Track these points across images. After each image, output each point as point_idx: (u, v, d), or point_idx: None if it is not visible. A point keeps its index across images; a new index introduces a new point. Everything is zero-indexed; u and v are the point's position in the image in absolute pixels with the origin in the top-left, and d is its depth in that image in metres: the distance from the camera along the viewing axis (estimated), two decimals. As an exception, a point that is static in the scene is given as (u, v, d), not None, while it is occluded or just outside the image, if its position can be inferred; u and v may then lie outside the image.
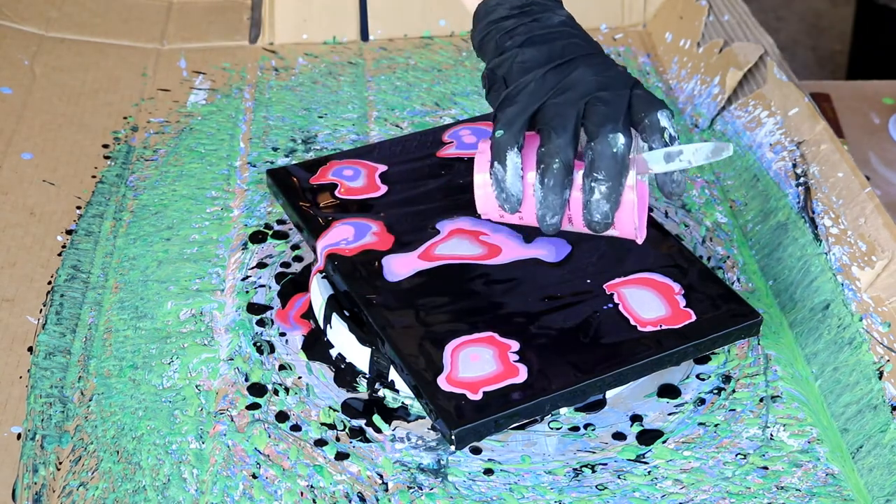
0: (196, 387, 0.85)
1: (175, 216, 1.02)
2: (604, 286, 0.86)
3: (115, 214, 1.02)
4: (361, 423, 0.83)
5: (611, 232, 0.78)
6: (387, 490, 0.78)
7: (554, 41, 0.80)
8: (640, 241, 0.79)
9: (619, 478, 0.79)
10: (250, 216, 1.02)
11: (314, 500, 0.77)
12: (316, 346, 0.88)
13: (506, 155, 0.76)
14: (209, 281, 0.95)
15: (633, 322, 0.83)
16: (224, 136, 1.12)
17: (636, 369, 0.80)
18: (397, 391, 0.85)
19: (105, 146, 1.10)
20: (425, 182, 0.97)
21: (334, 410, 0.84)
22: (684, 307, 0.84)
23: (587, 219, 0.76)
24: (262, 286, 0.94)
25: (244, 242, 0.99)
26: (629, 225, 0.77)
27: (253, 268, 0.96)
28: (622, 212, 0.76)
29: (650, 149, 0.76)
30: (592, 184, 0.75)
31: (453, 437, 0.74)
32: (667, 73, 1.24)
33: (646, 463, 0.80)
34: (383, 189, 0.96)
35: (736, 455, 0.81)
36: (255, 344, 0.89)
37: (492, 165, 0.77)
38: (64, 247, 0.98)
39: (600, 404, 0.84)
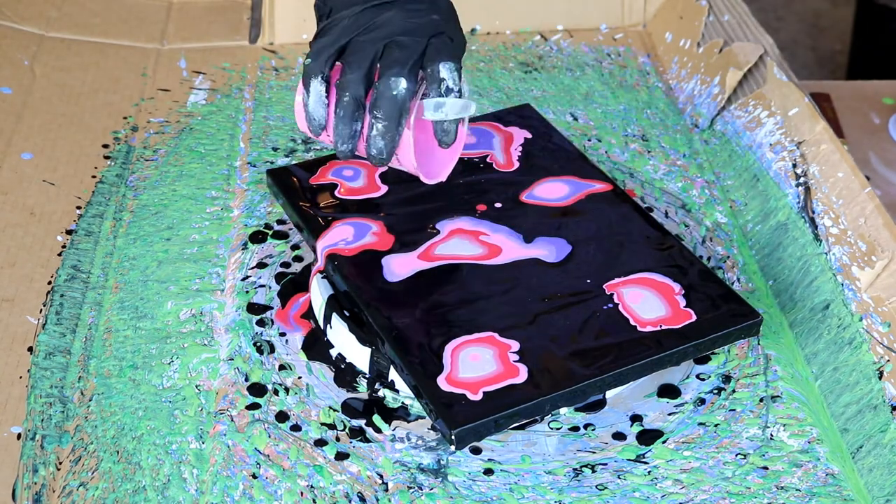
0: (196, 387, 0.85)
1: (175, 216, 1.02)
2: (604, 286, 0.86)
3: (115, 214, 1.02)
4: (361, 423, 0.83)
5: (396, 165, 0.86)
6: (387, 490, 0.78)
7: None
8: (424, 179, 0.86)
9: (619, 478, 0.79)
10: (250, 216, 1.02)
11: (314, 500, 0.77)
12: (316, 346, 0.88)
13: (310, 82, 0.82)
14: (209, 281, 0.95)
15: (633, 322, 0.83)
16: (224, 136, 1.12)
17: (636, 369, 0.80)
18: (397, 391, 0.85)
19: (105, 146, 1.10)
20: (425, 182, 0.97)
21: (334, 410, 0.84)
22: (684, 307, 0.84)
23: (367, 152, 0.83)
24: (262, 286, 0.94)
25: (244, 242, 0.99)
26: (410, 162, 0.84)
27: (253, 268, 0.96)
28: (403, 149, 0.83)
29: (428, 97, 0.82)
30: (372, 121, 0.81)
31: (453, 437, 0.74)
32: (667, 73, 1.24)
33: (646, 463, 0.80)
34: (383, 189, 0.96)
35: (736, 455, 0.81)
36: (255, 344, 0.89)
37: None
38: (64, 247, 0.98)
39: (600, 404, 0.84)
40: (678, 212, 1.04)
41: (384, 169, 0.98)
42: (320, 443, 0.81)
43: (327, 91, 0.83)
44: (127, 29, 1.28)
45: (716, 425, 0.83)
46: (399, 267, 0.87)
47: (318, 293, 0.89)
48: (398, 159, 0.85)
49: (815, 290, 0.92)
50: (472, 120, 1.06)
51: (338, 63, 0.83)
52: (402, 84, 0.80)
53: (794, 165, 1.01)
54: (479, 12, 1.30)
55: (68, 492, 0.77)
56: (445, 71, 0.81)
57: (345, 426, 0.82)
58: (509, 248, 0.89)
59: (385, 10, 0.83)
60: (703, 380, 0.87)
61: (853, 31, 2.29)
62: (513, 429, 0.82)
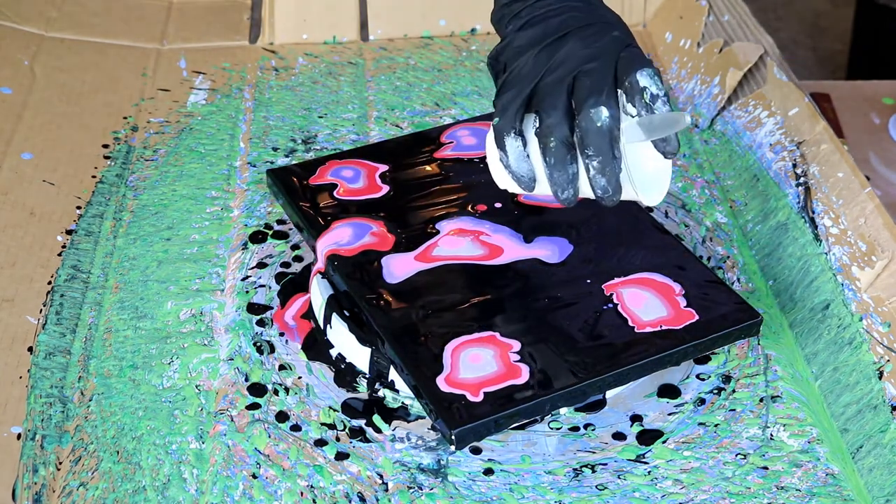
0: (196, 387, 0.85)
1: (175, 216, 1.02)
2: (604, 286, 0.86)
3: (115, 214, 1.02)
4: (361, 423, 0.83)
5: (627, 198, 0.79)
6: (387, 490, 0.78)
7: (551, 18, 0.80)
8: (646, 203, 0.79)
9: (619, 478, 0.79)
10: (250, 216, 1.02)
11: (314, 500, 0.77)
12: (316, 346, 0.88)
13: (504, 141, 0.77)
14: (209, 281, 0.95)
15: (632, 322, 0.83)
16: (224, 136, 1.12)
17: (636, 369, 0.80)
18: (397, 391, 0.85)
19: (105, 146, 1.10)
20: (425, 182, 0.97)
21: (334, 410, 0.84)
22: (684, 307, 0.84)
23: (594, 193, 0.77)
24: (262, 286, 0.94)
25: (244, 242, 0.99)
26: (629, 192, 0.78)
27: (253, 268, 0.96)
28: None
29: (636, 110, 0.76)
30: (586, 160, 0.76)
31: (453, 437, 0.74)
32: (667, 73, 1.24)
33: (646, 463, 0.80)
34: (383, 189, 0.96)
35: (736, 455, 0.81)
36: (255, 344, 0.89)
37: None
38: (64, 247, 0.98)
39: (600, 404, 0.84)
40: (678, 212, 1.04)
41: (384, 169, 0.98)
42: (320, 443, 0.81)
43: (524, 145, 0.78)
44: (127, 29, 1.28)
45: (716, 425, 0.83)
46: (399, 267, 0.87)
47: (318, 293, 0.89)
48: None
49: (815, 290, 0.92)
50: (473, 120, 1.06)
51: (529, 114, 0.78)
52: (604, 113, 0.74)
53: (794, 165, 1.01)
54: (479, 12, 1.30)
55: (68, 492, 0.77)
56: (645, 78, 0.75)
57: (345, 426, 0.82)
58: (510, 248, 0.89)
59: (561, 44, 0.78)
60: (703, 380, 0.87)
61: (853, 31, 2.29)
62: (513, 429, 0.82)
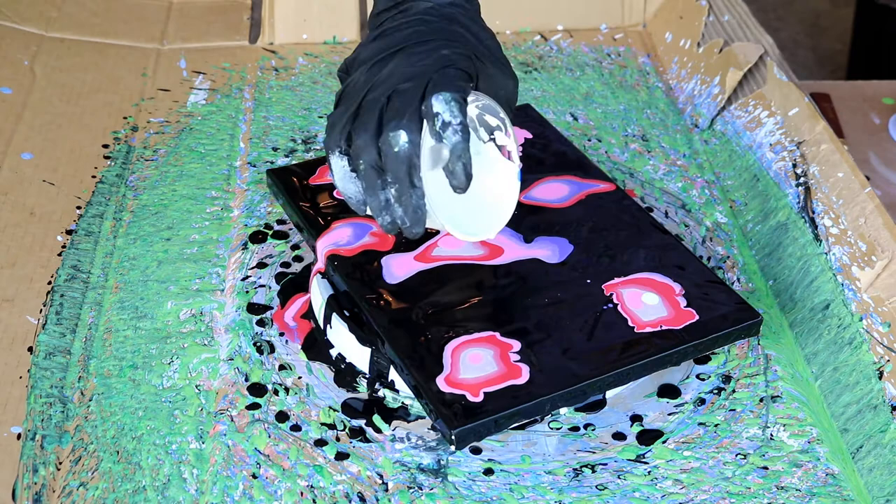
0: (196, 387, 0.85)
1: (175, 216, 1.02)
2: (604, 286, 0.86)
3: (115, 214, 1.02)
4: (361, 423, 0.83)
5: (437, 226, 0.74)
6: (387, 490, 0.78)
7: (398, 32, 0.75)
8: (462, 238, 0.75)
9: (619, 478, 0.79)
10: (250, 216, 1.02)
11: (314, 500, 0.77)
12: (316, 346, 0.88)
13: (330, 159, 0.74)
14: (209, 281, 0.95)
15: (632, 322, 0.83)
16: (224, 136, 1.13)
17: (636, 369, 0.80)
18: (397, 391, 0.85)
19: (105, 146, 1.10)
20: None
21: (334, 410, 0.84)
22: (685, 307, 0.84)
23: (394, 226, 0.73)
24: (262, 286, 0.94)
25: (244, 242, 0.99)
26: (437, 224, 0.73)
27: (253, 268, 0.96)
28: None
29: (435, 136, 0.71)
30: (386, 187, 0.71)
31: (453, 437, 0.74)
32: (667, 73, 1.24)
33: (646, 463, 0.80)
34: (383, 189, 0.96)
35: (736, 455, 0.81)
36: (255, 344, 0.89)
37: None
38: (64, 247, 0.98)
39: (600, 404, 0.84)
40: (678, 212, 1.04)
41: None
42: (320, 443, 0.81)
43: (351, 164, 0.74)
44: (127, 29, 1.28)
45: (716, 425, 0.83)
46: (399, 267, 0.87)
47: (318, 293, 0.89)
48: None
49: (815, 290, 0.92)
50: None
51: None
52: (402, 138, 0.70)
53: (794, 165, 1.01)
54: (479, 12, 1.30)
55: (68, 492, 0.77)
56: (440, 104, 0.70)
57: (345, 426, 0.82)
58: (510, 248, 0.89)
59: (390, 61, 0.73)
60: (703, 380, 0.87)
61: (853, 31, 2.29)
62: (513, 429, 0.82)
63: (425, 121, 0.72)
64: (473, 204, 0.76)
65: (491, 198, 0.76)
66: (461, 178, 0.71)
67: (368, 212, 0.76)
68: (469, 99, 0.72)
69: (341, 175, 0.74)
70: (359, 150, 0.71)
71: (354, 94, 0.73)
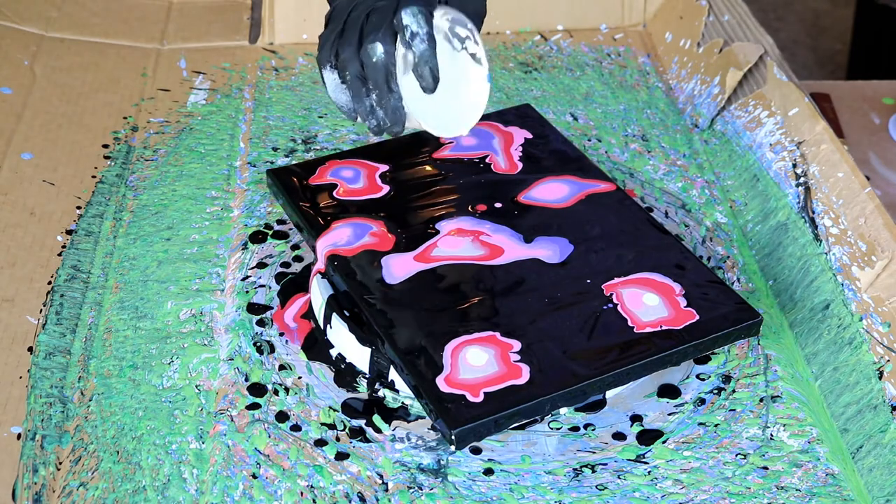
0: (196, 387, 0.85)
1: (175, 216, 1.02)
2: (604, 286, 0.86)
3: (115, 214, 1.02)
4: (361, 423, 0.83)
5: (416, 127, 0.84)
6: (387, 490, 0.78)
7: None
8: (438, 134, 0.84)
9: (619, 478, 0.79)
10: (250, 216, 1.02)
11: (314, 500, 0.77)
12: (316, 346, 0.88)
13: (322, 73, 0.83)
14: (209, 281, 0.95)
15: (632, 322, 0.82)
16: (224, 136, 1.13)
17: (636, 369, 0.80)
18: (397, 391, 0.85)
19: (105, 146, 1.10)
20: (425, 182, 0.97)
21: (334, 410, 0.84)
22: (685, 307, 0.84)
23: (374, 125, 0.83)
24: (262, 286, 0.94)
25: (244, 242, 0.99)
26: (415, 122, 0.83)
27: (253, 268, 0.96)
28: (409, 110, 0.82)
29: (405, 45, 0.81)
30: (369, 93, 0.81)
31: (453, 437, 0.74)
32: (667, 73, 1.24)
33: (646, 463, 0.80)
34: (383, 189, 0.96)
35: (736, 455, 0.81)
36: (255, 344, 0.89)
37: None
38: (64, 247, 0.98)
39: (600, 404, 0.84)
40: (678, 212, 1.04)
41: (384, 169, 0.98)
42: (320, 443, 0.81)
43: (341, 77, 0.83)
44: (127, 29, 1.28)
45: (716, 425, 0.83)
46: (399, 268, 0.87)
47: (318, 293, 0.89)
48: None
49: (815, 290, 0.92)
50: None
51: None
52: (379, 49, 0.79)
53: (794, 165, 1.02)
54: (479, 12, 1.30)
55: (68, 492, 0.77)
56: (408, 17, 0.80)
57: (345, 426, 0.82)
58: (510, 248, 0.89)
59: None
60: (703, 380, 0.87)
61: (853, 31, 2.29)
62: (513, 429, 0.82)
63: (398, 32, 0.81)
64: (449, 104, 0.85)
65: (465, 97, 0.85)
66: (429, 80, 0.80)
67: (359, 121, 0.85)
68: (439, 13, 0.82)
69: (333, 87, 0.83)
70: (345, 62, 0.81)
71: (340, 14, 0.83)
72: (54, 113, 1.14)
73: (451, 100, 0.84)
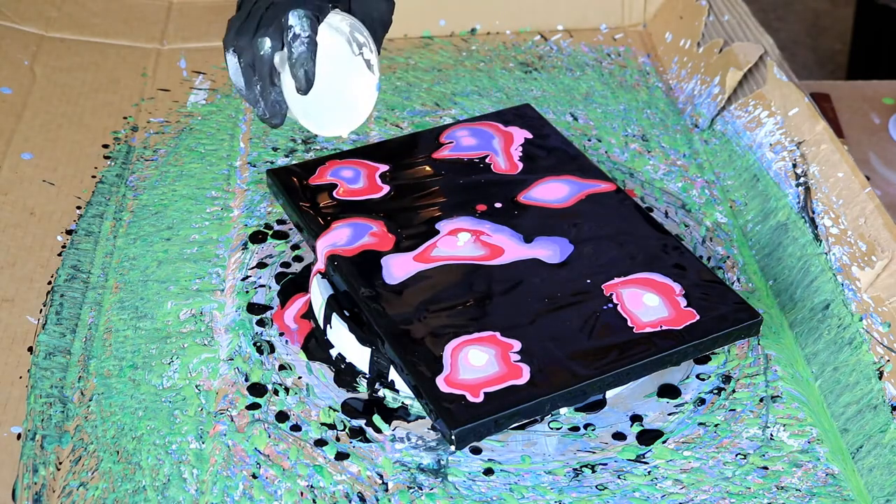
0: (196, 387, 0.85)
1: (175, 216, 1.02)
2: (604, 286, 0.86)
3: (115, 214, 1.02)
4: (361, 423, 0.83)
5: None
6: (387, 490, 0.78)
7: None
8: (316, 132, 0.86)
9: (619, 478, 0.79)
10: (250, 216, 1.02)
11: (314, 500, 0.77)
12: (316, 346, 0.88)
13: (225, 56, 0.85)
14: (209, 281, 0.95)
15: (632, 323, 0.82)
16: (224, 136, 1.13)
17: (636, 369, 0.80)
18: (397, 391, 0.85)
19: (105, 146, 1.10)
20: (425, 182, 0.97)
21: (334, 410, 0.84)
22: (685, 307, 0.84)
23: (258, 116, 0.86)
24: (262, 286, 0.94)
25: (244, 242, 0.99)
26: (297, 118, 0.85)
27: (253, 268, 0.96)
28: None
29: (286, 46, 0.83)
30: (256, 84, 0.84)
31: (453, 437, 0.74)
32: (667, 73, 1.24)
33: (646, 463, 0.80)
34: (383, 189, 0.96)
35: (736, 455, 0.81)
36: (255, 344, 0.89)
37: None
38: (64, 247, 0.98)
39: (600, 404, 0.84)
40: (678, 212, 1.04)
41: (384, 169, 0.98)
42: (320, 443, 0.81)
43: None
44: (127, 29, 1.28)
45: (716, 425, 0.83)
46: (399, 268, 0.87)
47: (318, 293, 0.89)
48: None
49: (815, 290, 0.92)
50: (472, 120, 1.06)
51: None
52: (267, 44, 0.82)
53: (794, 165, 1.02)
54: (479, 12, 1.30)
55: (68, 492, 0.77)
56: (293, 18, 0.82)
57: (345, 426, 0.82)
58: (510, 248, 0.89)
59: None
60: (703, 380, 0.87)
61: (853, 31, 2.29)
62: (513, 429, 0.82)
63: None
64: (332, 105, 0.87)
65: (350, 101, 0.88)
66: (302, 82, 0.83)
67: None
68: (338, 17, 0.85)
69: (233, 70, 0.85)
70: (241, 49, 0.84)
71: (248, 2, 0.86)
72: (54, 113, 1.14)
73: (335, 101, 0.87)
